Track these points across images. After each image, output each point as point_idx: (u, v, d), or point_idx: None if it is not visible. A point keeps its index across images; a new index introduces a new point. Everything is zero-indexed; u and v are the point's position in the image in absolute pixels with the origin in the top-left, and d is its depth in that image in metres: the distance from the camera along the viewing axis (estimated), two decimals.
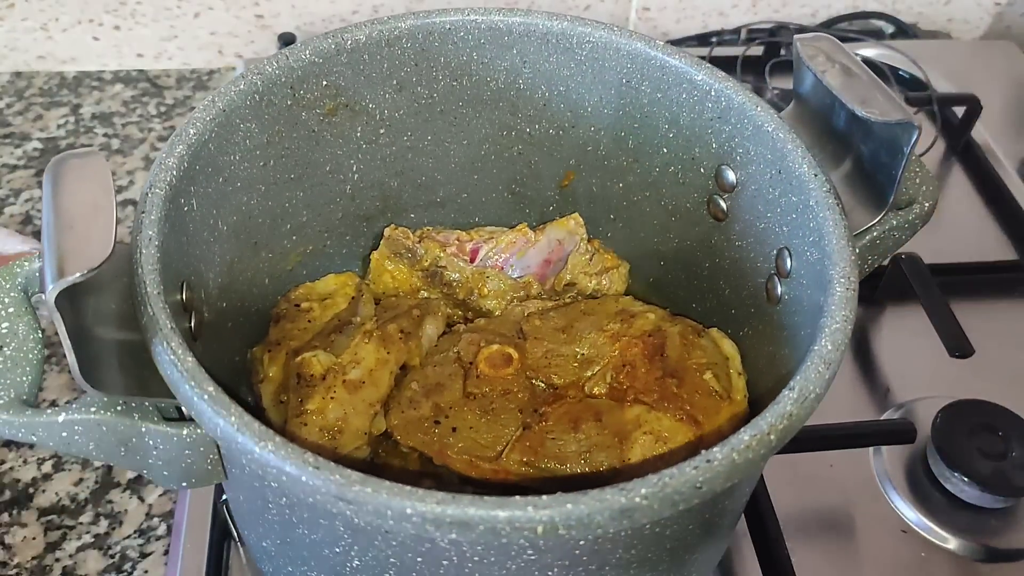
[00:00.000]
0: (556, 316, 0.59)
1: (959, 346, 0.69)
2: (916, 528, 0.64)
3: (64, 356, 0.39)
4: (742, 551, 0.62)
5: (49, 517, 0.65)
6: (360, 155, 0.61)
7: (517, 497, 0.37)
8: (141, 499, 0.66)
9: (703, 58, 0.57)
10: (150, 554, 0.63)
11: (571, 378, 0.55)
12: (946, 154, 0.94)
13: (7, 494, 0.66)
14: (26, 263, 0.46)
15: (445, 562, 0.41)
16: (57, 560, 0.63)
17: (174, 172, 0.48)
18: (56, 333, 0.39)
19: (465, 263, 0.63)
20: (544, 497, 0.37)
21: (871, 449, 0.68)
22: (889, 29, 1.10)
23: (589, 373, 0.55)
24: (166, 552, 0.63)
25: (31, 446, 0.68)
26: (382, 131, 0.60)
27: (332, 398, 0.51)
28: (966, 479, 0.63)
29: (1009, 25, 1.12)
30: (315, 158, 0.58)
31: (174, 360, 0.41)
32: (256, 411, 0.53)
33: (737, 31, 1.07)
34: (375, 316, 0.58)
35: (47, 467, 0.67)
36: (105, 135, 0.94)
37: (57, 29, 0.98)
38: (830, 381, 0.43)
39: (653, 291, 0.65)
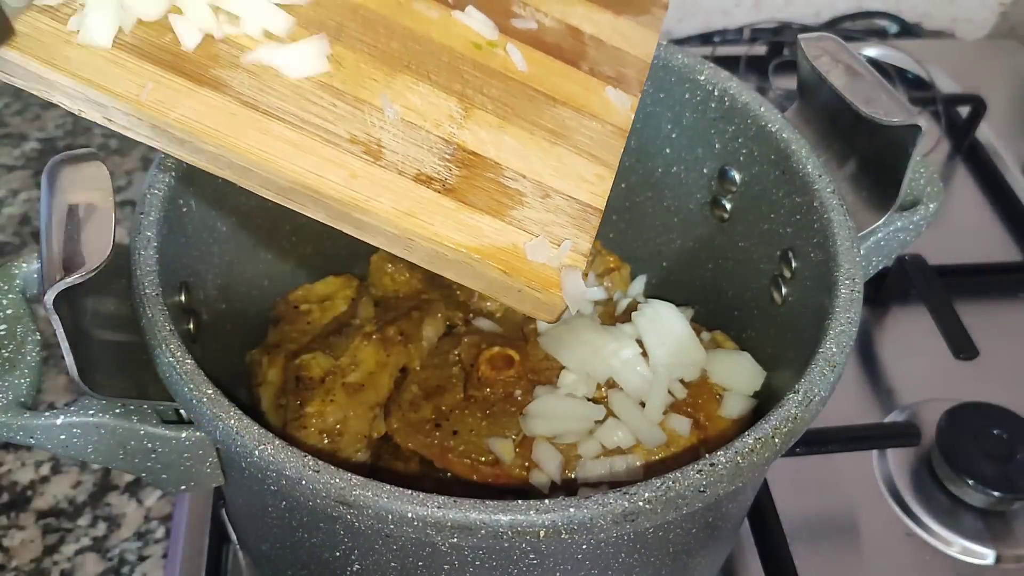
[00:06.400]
0: None
1: (964, 348, 0.68)
2: (920, 531, 0.63)
3: (63, 358, 0.39)
4: (745, 554, 0.62)
5: (47, 520, 0.64)
6: None
7: (519, 501, 0.36)
8: (139, 502, 0.65)
9: (706, 58, 0.56)
10: (148, 557, 0.63)
11: None
12: (950, 154, 0.93)
13: (5, 496, 0.65)
14: (24, 264, 0.46)
15: (446, 566, 0.41)
16: (55, 563, 0.62)
17: (173, 173, 0.48)
18: (55, 335, 0.38)
19: None
20: (546, 501, 0.36)
21: (875, 452, 0.67)
22: (893, 28, 1.10)
23: None
24: (164, 555, 0.62)
25: (29, 448, 0.68)
26: None
27: (331, 401, 0.50)
28: (971, 482, 0.63)
29: (1014, 25, 1.12)
30: None
31: (173, 362, 0.40)
32: (255, 415, 0.52)
33: (740, 30, 1.06)
34: (375, 318, 0.57)
35: (45, 470, 0.67)
36: (103, 135, 0.94)
37: None
38: (835, 384, 0.43)
39: (655, 292, 0.65)
